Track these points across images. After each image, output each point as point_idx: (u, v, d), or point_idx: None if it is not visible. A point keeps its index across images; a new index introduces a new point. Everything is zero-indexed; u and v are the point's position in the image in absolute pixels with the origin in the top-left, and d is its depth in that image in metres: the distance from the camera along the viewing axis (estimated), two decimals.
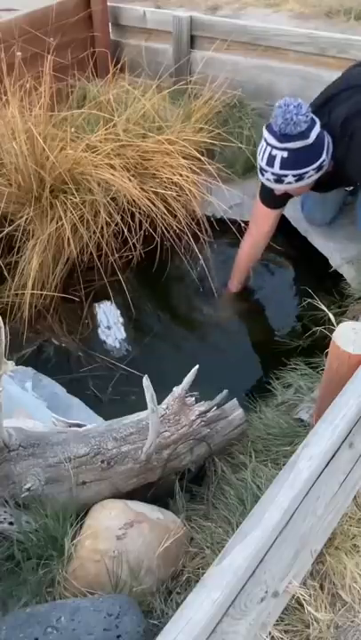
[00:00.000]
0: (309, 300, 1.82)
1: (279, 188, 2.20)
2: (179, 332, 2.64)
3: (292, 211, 2.69)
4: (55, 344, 2.49)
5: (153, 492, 1.52)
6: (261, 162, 2.13)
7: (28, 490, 1.35)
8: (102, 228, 2.48)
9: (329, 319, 1.53)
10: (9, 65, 2.54)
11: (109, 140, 2.61)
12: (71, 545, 1.28)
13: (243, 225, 2.70)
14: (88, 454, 1.41)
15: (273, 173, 2.11)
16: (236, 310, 2.68)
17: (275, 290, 2.79)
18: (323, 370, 1.57)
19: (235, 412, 1.65)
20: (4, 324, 1.27)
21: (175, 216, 2.58)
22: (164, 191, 2.60)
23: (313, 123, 2.05)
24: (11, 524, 1.35)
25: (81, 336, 2.52)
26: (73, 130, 2.58)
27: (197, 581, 0.94)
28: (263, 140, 2.11)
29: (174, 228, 2.56)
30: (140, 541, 1.28)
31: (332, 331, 1.36)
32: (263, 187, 2.29)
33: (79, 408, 2.08)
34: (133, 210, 2.53)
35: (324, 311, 1.57)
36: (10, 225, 2.46)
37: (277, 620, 1.18)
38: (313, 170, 2.11)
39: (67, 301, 2.56)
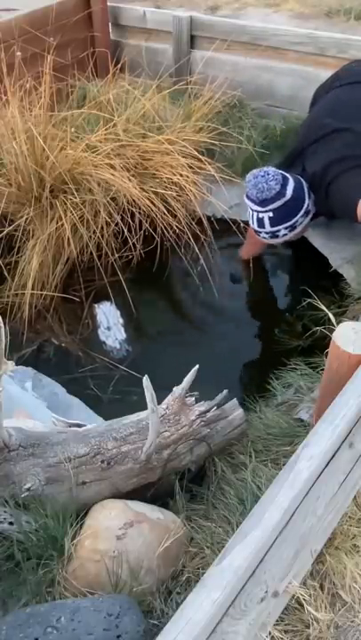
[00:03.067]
0: (309, 299, 1.82)
1: (278, 242, 2.35)
2: (179, 332, 2.64)
3: None
4: (55, 344, 2.48)
5: (153, 492, 1.52)
6: (253, 225, 2.29)
7: (28, 490, 1.35)
8: (102, 227, 2.48)
9: (329, 319, 1.53)
10: (9, 65, 2.54)
11: (109, 139, 2.61)
12: (71, 545, 1.28)
13: (243, 225, 2.70)
14: (88, 454, 1.41)
15: (267, 232, 2.26)
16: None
17: (275, 290, 2.79)
18: (323, 370, 1.57)
19: (235, 411, 1.65)
20: (4, 324, 1.27)
21: (175, 216, 2.58)
22: (164, 191, 2.60)
23: (285, 180, 2.19)
24: (11, 523, 1.35)
25: (81, 336, 2.52)
26: (73, 130, 2.58)
27: (197, 581, 0.94)
28: (248, 207, 2.26)
29: (174, 227, 2.56)
30: (140, 541, 1.28)
31: (332, 331, 1.36)
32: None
33: (79, 408, 2.08)
34: (133, 210, 2.53)
35: (324, 311, 1.57)
36: (10, 225, 2.46)
37: (277, 620, 1.18)
38: (301, 217, 2.24)
39: (67, 301, 2.56)
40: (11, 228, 2.46)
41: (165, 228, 2.55)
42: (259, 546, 0.97)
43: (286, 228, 2.23)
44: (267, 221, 2.21)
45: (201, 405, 1.58)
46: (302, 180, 2.24)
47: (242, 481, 1.47)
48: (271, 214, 2.19)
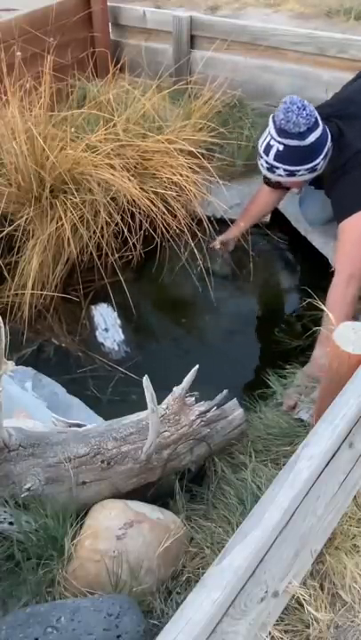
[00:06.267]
0: (309, 299, 1.82)
1: (271, 177, 2.22)
2: (179, 332, 2.64)
3: (292, 210, 2.69)
4: (55, 344, 2.48)
5: (153, 492, 1.52)
6: (260, 147, 2.15)
7: (28, 490, 1.35)
8: (102, 227, 2.48)
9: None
10: (9, 65, 2.54)
11: (109, 139, 2.61)
12: (71, 545, 1.28)
13: None
14: (88, 454, 1.41)
15: (266, 162, 2.13)
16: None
17: (275, 290, 2.79)
18: None
19: (235, 411, 1.65)
20: (4, 324, 1.27)
21: (175, 216, 2.58)
22: (164, 191, 2.60)
23: (315, 126, 2.04)
24: (11, 523, 1.35)
25: (81, 336, 2.52)
26: (73, 130, 2.58)
27: (197, 581, 0.94)
28: (268, 128, 2.12)
29: (174, 228, 2.56)
30: (140, 541, 1.28)
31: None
32: None
33: (79, 408, 2.08)
34: (133, 210, 2.53)
35: (324, 311, 1.56)
36: (10, 225, 2.46)
37: (277, 620, 1.18)
38: (305, 170, 2.11)
39: (67, 301, 2.56)
40: (11, 228, 2.46)
41: (165, 228, 2.55)
42: (259, 546, 0.97)
43: (285, 171, 2.12)
44: (273, 152, 2.10)
45: (201, 405, 1.58)
46: (330, 137, 2.13)
47: (242, 481, 1.48)
48: (281, 148, 2.07)
